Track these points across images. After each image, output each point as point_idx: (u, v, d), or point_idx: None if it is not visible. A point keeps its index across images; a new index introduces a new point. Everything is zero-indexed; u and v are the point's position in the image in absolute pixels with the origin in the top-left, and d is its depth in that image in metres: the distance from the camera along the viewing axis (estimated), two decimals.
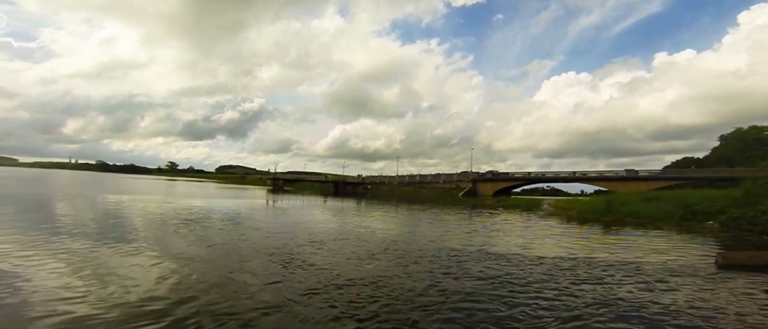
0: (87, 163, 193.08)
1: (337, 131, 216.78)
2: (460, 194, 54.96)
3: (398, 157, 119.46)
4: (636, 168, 51.59)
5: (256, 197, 35.30)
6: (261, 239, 10.40)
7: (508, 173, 61.21)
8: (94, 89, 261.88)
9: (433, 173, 68.18)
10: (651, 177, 48.26)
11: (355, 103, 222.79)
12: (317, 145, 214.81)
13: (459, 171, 65.55)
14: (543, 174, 60.15)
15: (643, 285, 6.75)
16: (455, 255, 9.20)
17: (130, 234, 9.79)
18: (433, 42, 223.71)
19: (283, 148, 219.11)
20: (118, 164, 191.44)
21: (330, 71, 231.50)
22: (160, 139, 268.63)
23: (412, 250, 9.80)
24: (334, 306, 5.13)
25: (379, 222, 17.65)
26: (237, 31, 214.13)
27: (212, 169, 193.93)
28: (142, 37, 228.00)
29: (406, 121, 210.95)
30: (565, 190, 73.20)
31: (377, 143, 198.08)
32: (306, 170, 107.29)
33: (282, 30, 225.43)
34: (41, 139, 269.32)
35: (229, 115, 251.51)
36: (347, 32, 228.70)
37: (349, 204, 33.17)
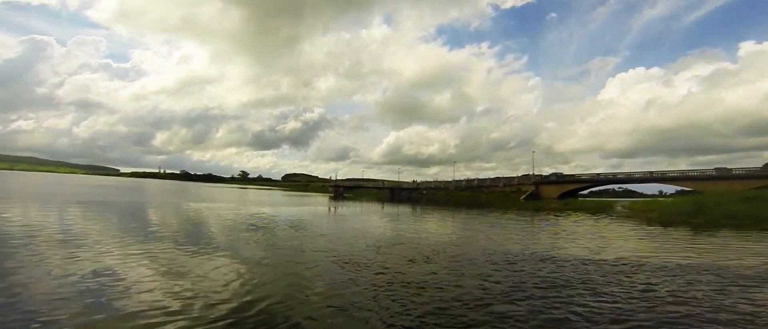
0: (173, 173, 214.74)
1: (391, 138, 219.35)
2: (522, 197, 52.70)
3: (454, 162, 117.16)
4: (728, 167, 45.30)
5: (319, 204, 36.79)
6: (324, 244, 10.94)
7: (573, 175, 57.46)
8: (177, 104, 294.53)
9: (491, 177, 66.26)
10: (748, 175, 41.99)
11: (406, 110, 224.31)
12: (373, 151, 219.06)
13: (520, 175, 62.86)
14: (614, 175, 55.47)
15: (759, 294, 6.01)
16: (519, 259, 8.97)
17: (207, 239, 10.81)
18: (484, 45, 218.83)
19: (342, 155, 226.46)
20: (197, 173, 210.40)
21: (381, 79, 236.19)
22: (232, 149, 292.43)
23: (470, 253, 9.70)
24: (391, 307, 5.31)
25: (434, 227, 17.57)
26: (293, 45, 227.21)
27: (279, 177, 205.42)
28: (212, 55, 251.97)
29: (460, 126, 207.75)
30: (640, 191, 67.11)
31: (431, 148, 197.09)
32: (364, 177, 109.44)
33: (333, 41, 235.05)
34: (136, 150, 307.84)
35: (291, 125, 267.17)
36: (394, 40, 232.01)
37: (404, 209, 33.31)
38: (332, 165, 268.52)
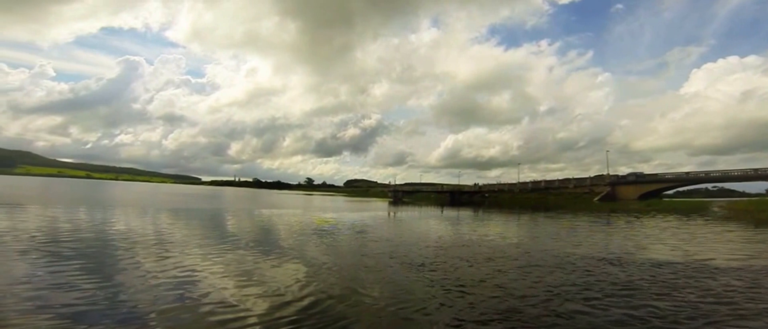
0: (246, 180, 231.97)
1: (448, 141, 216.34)
2: (596, 199, 48.87)
3: (518, 164, 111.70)
4: None
5: (378, 209, 37.34)
6: (385, 247, 11.14)
7: (656, 174, 52.04)
8: (247, 115, 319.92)
9: (560, 178, 62.57)
10: None
11: (463, 113, 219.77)
12: (430, 156, 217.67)
13: (592, 175, 58.52)
14: (706, 173, 49.16)
15: None
16: (596, 261, 8.36)
17: (276, 243, 11.50)
18: (543, 43, 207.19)
19: (399, 160, 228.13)
20: (268, 181, 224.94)
21: (435, 83, 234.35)
22: (298, 157, 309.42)
23: (537, 255, 9.24)
24: (453, 308, 5.31)
25: (498, 230, 16.98)
26: (346, 53, 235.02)
27: (341, 183, 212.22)
28: (274, 66, 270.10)
29: (522, 127, 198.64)
30: (740, 190, 58.55)
31: (491, 151, 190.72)
32: (422, 181, 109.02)
33: (383, 47, 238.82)
34: (215, 160, 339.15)
35: (351, 132, 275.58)
36: (444, 43, 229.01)
37: (465, 213, 32.52)
38: (390, 170, 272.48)
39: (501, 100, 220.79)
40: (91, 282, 5.97)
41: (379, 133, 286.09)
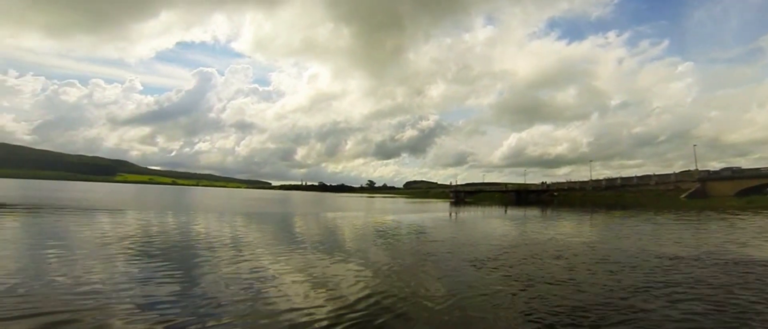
0: (312, 184, 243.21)
1: (511, 140, 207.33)
2: (683, 196, 43.86)
3: (590, 161, 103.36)
4: None
5: (439, 210, 36.89)
6: (448, 247, 10.94)
7: (758, 169, 45.34)
8: (310, 120, 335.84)
9: (638, 174, 57.27)
10: None
11: (525, 110, 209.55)
12: (492, 155, 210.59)
13: (677, 171, 52.63)
14: None
15: None
16: (690, 263, 7.45)
17: (341, 245, 11.80)
18: (610, 34, 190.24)
19: (459, 160, 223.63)
20: (332, 184, 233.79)
21: (494, 82, 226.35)
22: (360, 160, 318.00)
23: (615, 255, 8.41)
24: (522, 309, 4.94)
25: (568, 229, 15.86)
26: (399, 55, 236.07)
27: (401, 185, 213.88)
28: (333, 72, 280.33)
29: (592, 123, 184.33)
30: None
31: (558, 148, 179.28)
32: (484, 181, 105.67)
33: (436, 47, 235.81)
34: (283, 165, 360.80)
35: (409, 133, 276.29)
36: (500, 40, 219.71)
37: (532, 212, 30.90)
38: (450, 170, 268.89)
39: (566, 96, 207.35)
40: (175, 279, 6.58)
41: (437, 134, 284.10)
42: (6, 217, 15.76)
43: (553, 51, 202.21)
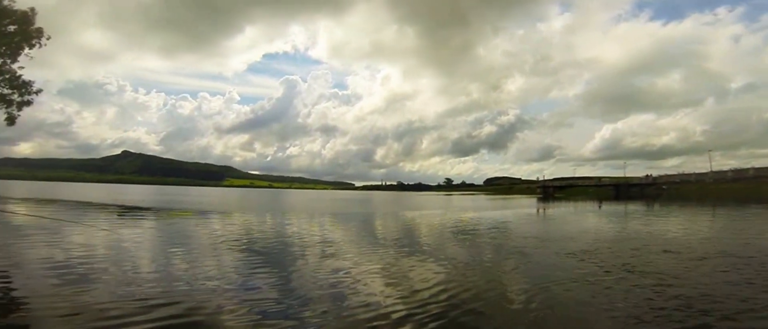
0: (391, 184, 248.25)
1: (604, 132, 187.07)
2: None
3: (709, 151, 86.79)
4: None
5: (524, 206, 35.00)
6: (533, 244, 10.50)
7: None
8: (387, 121, 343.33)
9: None
10: None
11: (619, 100, 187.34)
12: (582, 148, 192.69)
13: None
14: None
15: None
16: None
17: (421, 243, 11.88)
18: (720, 10, 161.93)
19: (545, 155, 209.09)
20: (409, 183, 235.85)
21: (580, 71, 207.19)
22: (436, 159, 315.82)
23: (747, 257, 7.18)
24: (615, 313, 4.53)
25: (679, 226, 13.95)
26: (467, 51, 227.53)
27: (480, 182, 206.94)
28: (403, 72, 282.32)
29: (705, 109, 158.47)
30: None
31: (664, 139, 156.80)
32: (575, 175, 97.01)
33: (507, 40, 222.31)
34: (364, 166, 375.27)
35: (487, 129, 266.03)
36: (581, 26, 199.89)
37: (634, 207, 27.67)
38: (535, 166, 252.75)
39: (669, 82, 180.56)
40: (271, 275, 7.30)
41: (518, 129, 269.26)
42: (152, 220, 18.96)
43: (646, 33, 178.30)
